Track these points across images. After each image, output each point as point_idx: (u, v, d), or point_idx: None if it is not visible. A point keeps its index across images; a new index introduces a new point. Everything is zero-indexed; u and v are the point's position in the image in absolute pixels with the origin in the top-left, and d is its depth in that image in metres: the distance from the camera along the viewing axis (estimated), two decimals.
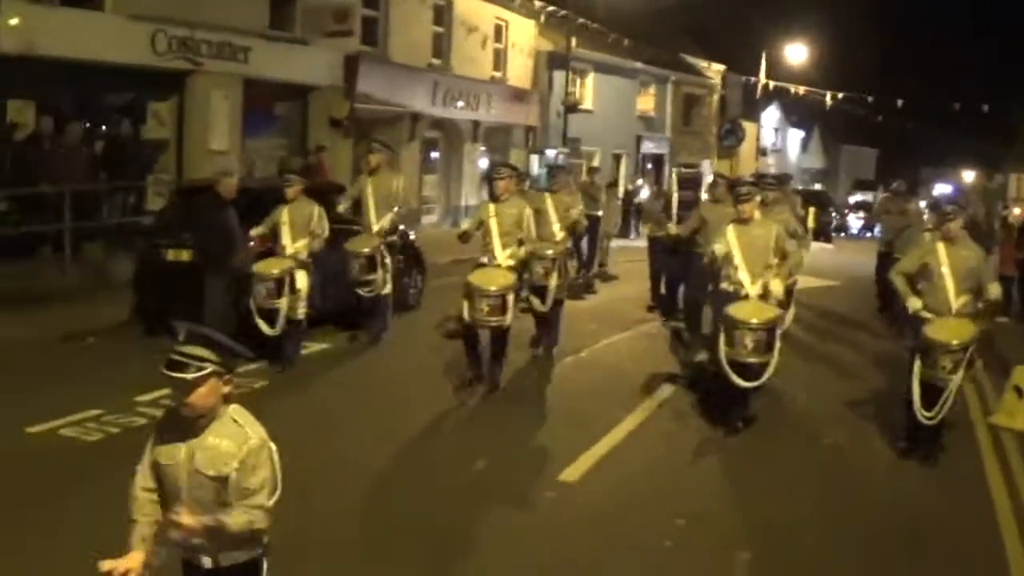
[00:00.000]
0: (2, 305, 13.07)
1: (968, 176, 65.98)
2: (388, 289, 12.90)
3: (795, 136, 62.89)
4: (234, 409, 4.16)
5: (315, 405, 10.52)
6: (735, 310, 9.55)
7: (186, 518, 4.07)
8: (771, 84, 47.37)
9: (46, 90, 16.34)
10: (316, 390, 11.13)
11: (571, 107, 33.79)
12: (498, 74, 31.70)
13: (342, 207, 13.16)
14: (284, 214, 11.66)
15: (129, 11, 17.33)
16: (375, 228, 12.74)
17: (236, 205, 11.68)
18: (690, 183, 15.63)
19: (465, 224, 11.26)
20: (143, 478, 4.27)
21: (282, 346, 11.52)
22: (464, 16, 29.10)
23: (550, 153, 32.06)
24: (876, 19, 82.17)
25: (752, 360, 9.50)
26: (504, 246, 10.91)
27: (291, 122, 22.38)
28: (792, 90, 48.72)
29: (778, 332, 9.80)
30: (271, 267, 11.43)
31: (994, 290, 9.36)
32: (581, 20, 34.08)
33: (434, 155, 29.70)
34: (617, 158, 39.75)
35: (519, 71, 32.88)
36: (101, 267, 15.48)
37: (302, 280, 11.60)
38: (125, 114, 18.14)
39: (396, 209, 12.91)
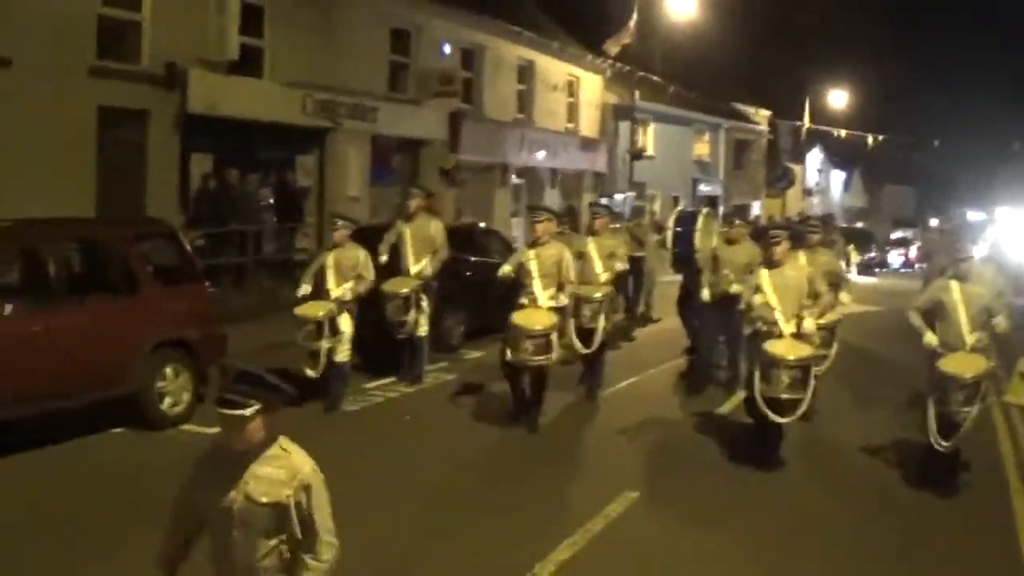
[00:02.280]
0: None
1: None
2: (424, 331, 13.00)
3: (838, 177, 65.39)
4: (283, 440, 4.31)
5: (336, 449, 9.31)
6: (772, 347, 9.65)
7: None
8: (815, 128, 50.13)
9: (222, 145, 19.25)
10: (342, 434, 10.89)
11: (636, 154, 36.80)
12: (571, 125, 34.62)
13: (381, 252, 12.95)
14: (330, 258, 11.85)
15: (284, 79, 20.29)
16: (413, 271, 12.86)
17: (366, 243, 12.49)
18: (688, 221, 15.41)
19: (505, 267, 11.25)
20: (180, 510, 4.50)
21: (328, 386, 11.68)
22: (543, 74, 32.11)
23: (618, 197, 34.86)
24: (917, 66, 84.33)
25: (787, 396, 9.56)
26: (544, 287, 10.99)
27: (405, 173, 25.22)
28: (835, 133, 51.37)
29: (813, 370, 9.91)
30: (316, 310, 11.53)
31: (1002, 323, 9.53)
32: (642, 74, 37.12)
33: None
34: (676, 200, 42.46)
35: (589, 122, 35.82)
36: (272, 292, 18.18)
37: (345, 323, 11.66)
38: (283, 166, 21.09)
39: (435, 253, 12.97)
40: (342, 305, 11.65)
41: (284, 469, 4.20)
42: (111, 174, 16.74)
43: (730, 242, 13.21)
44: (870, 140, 49.93)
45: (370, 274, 11.88)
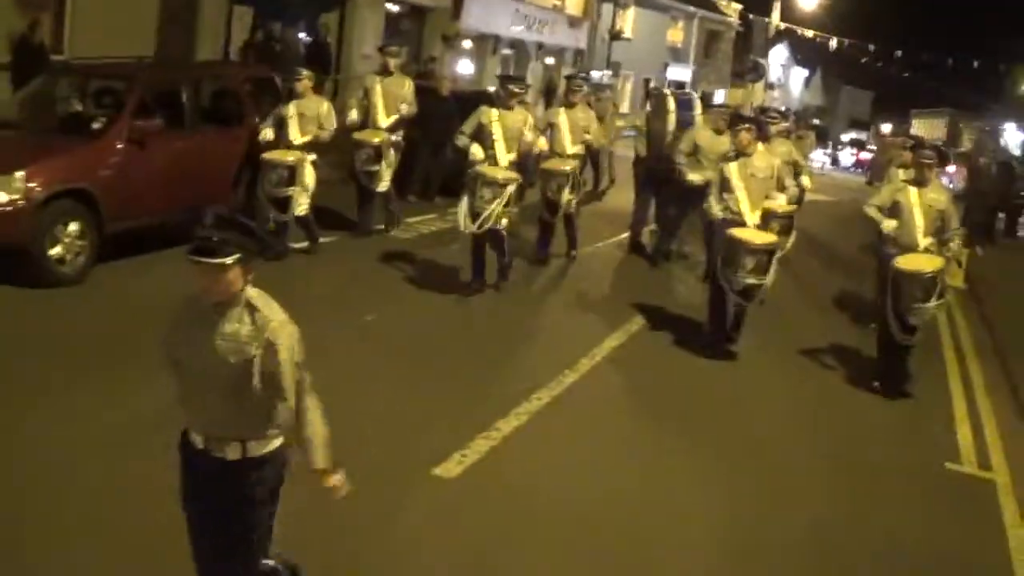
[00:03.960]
0: None
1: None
2: (385, 186, 13.06)
3: (799, 74, 67.83)
4: (254, 294, 4.02)
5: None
6: (738, 232, 9.72)
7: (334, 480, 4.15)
8: (783, 25, 52.07)
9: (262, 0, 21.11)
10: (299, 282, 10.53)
11: (615, 35, 38.83)
12: (559, 2, 36.49)
13: (351, 108, 13.20)
14: (291, 107, 11.74)
15: None
16: (383, 124, 12.88)
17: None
18: (686, 104, 15.45)
19: (462, 138, 11.16)
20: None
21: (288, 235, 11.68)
22: None
23: (595, 74, 36.88)
24: None
25: (751, 281, 9.64)
26: (508, 151, 11.00)
27: (412, 36, 27.14)
28: (800, 32, 53.36)
29: (776, 255, 9.98)
30: (285, 155, 11.44)
31: (956, 238, 9.80)
32: None
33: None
34: (647, 82, 44.62)
35: (574, 1, 37.68)
36: None
37: (309, 175, 11.60)
38: (311, 22, 22.98)
39: (403, 108, 12.95)
40: (306, 155, 11.61)
41: (252, 325, 3.95)
42: (169, 20, 18.57)
43: (718, 132, 13.02)
44: (835, 42, 51.89)
45: (332, 124, 11.92)
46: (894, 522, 6.92)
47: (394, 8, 25.95)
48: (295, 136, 11.58)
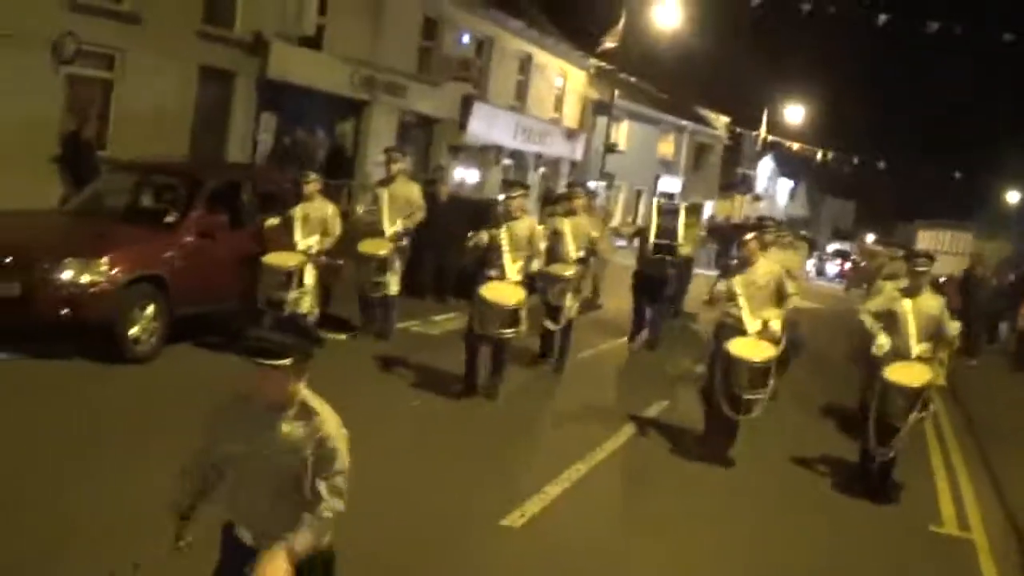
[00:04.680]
0: None
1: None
2: (395, 291, 13.01)
3: (784, 185, 69.74)
4: (308, 395, 4.02)
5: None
6: (736, 347, 9.71)
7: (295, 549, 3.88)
8: (770, 138, 53.96)
9: (285, 107, 22.28)
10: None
11: (609, 148, 40.22)
12: (557, 115, 38.07)
13: (359, 211, 13.53)
14: (299, 210, 11.83)
15: (339, 54, 23.37)
16: (388, 233, 12.85)
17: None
18: (671, 214, 15.79)
19: (479, 237, 11.26)
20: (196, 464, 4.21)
21: None
22: (539, 67, 35.54)
23: (591, 184, 38.18)
24: (869, 87, 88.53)
25: (748, 396, 9.69)
26: (513, 261, 11.02)
27: (420, 145, 28.44)
28: (787, 145, 55.21)
29: (772, 369, 9.94)
30: (286, 260, 11.50)
31: (952, 329, 9.77)
32: (622, 75, 40.54)
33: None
34: (639, 193, 46.10)
35: (572, 113, 39.27)
36: None
37: (310, 277, 11.66)
38: (329, 130, 24.21)
39: (415, 216, 13.13)
40: (309, 258, 11.66)
41: (306, 427, 3.95)
42: (202, 124, 19.71)
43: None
44: (819, 155, 53.65)
45: (337, 229, 12.01)
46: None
47: (406, 118, 27.20)
48: (298, 238, 11.73)
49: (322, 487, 3.94)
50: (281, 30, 21.30)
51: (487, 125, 31.19)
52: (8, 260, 10.19)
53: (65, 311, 9.93)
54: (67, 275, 10.07)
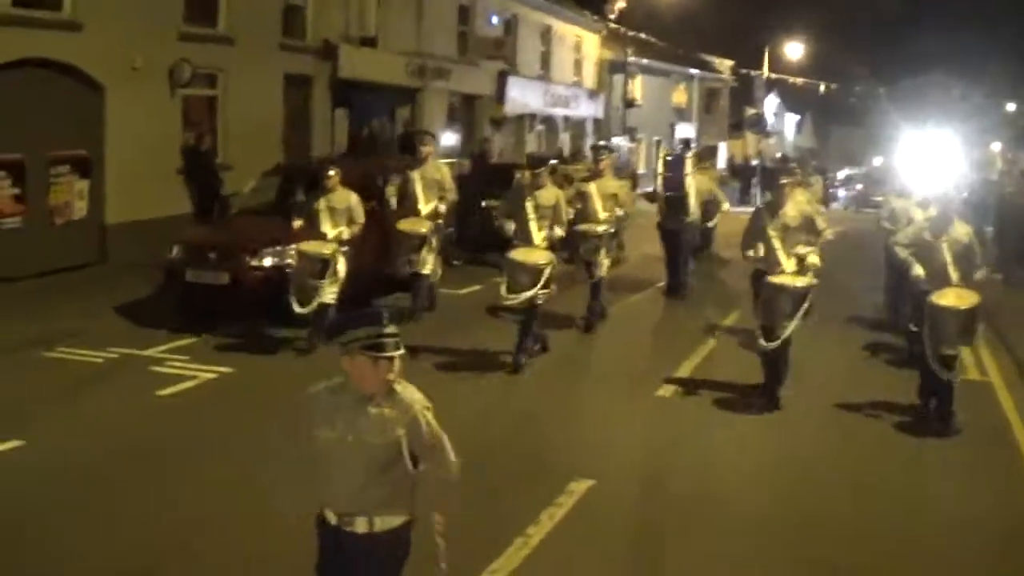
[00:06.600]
0: None
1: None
2: (429, 270, 13.37)
3: (791, 119, 71.88)
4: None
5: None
6: (779, 279, 9.90)
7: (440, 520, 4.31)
8: (773, 76, 56.03)
9: (354, 102, 24.61)
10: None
11: (628, 103, 42.62)
12: (577, 79, 40.39)
13: (390, 195, 13.70)
14: (322, 202, 12.01)
15: (393, 48, 25.74)
16: (425, 211, 13.29)
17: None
18: (676, 164, 16.23)
19: (508, 224, 11.71)
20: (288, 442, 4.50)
21: (317, 324, 11.40)
22: (559, 36, 37.89)
23: (616, 140, 40.55)
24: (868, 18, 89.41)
25: (784, 324, 9.77)
26: (539, 229, 11.40)
27: (465, 122, 30.93)
28: (790, 80, 57.32)
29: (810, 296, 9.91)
30: (322, 248, 11.69)
31: (979, 273, 9.77)
32: (632, 33, 42.90)
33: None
34: (659, 143, 48.34)
35: (590, 75, 41.66)
36: None
37: (342, 266, 11.83)
38: (392, 118, 26.63)
39: (447, 197, 13.54)
40: (341, 246, 11.87)
41: (396, 408, 4.19)
42: (289, 125, 22.11)
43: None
44: (822, 87, 55.64)
45: (361, 218, 12.15)
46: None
47: (452, 99, 29.73)
48: (327, 229, 11.89)
49: (440, 456, 4.32)
50: (345, 34, 23.64)
51: (521, 96, 33.62)
52: (213, 256, 12.83)
53: (265, 291, 12.44)
54: (268, 262, 12.70)
